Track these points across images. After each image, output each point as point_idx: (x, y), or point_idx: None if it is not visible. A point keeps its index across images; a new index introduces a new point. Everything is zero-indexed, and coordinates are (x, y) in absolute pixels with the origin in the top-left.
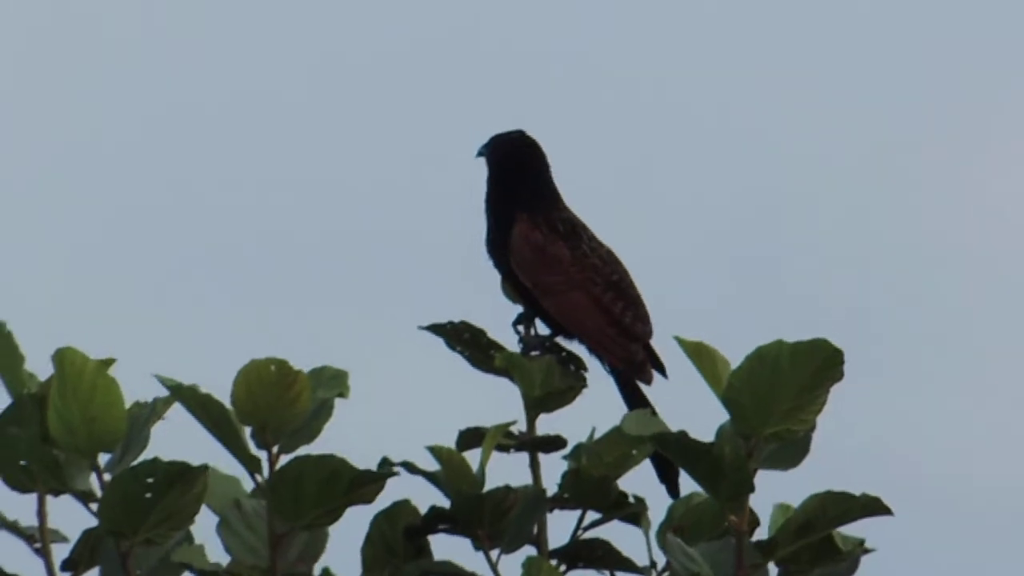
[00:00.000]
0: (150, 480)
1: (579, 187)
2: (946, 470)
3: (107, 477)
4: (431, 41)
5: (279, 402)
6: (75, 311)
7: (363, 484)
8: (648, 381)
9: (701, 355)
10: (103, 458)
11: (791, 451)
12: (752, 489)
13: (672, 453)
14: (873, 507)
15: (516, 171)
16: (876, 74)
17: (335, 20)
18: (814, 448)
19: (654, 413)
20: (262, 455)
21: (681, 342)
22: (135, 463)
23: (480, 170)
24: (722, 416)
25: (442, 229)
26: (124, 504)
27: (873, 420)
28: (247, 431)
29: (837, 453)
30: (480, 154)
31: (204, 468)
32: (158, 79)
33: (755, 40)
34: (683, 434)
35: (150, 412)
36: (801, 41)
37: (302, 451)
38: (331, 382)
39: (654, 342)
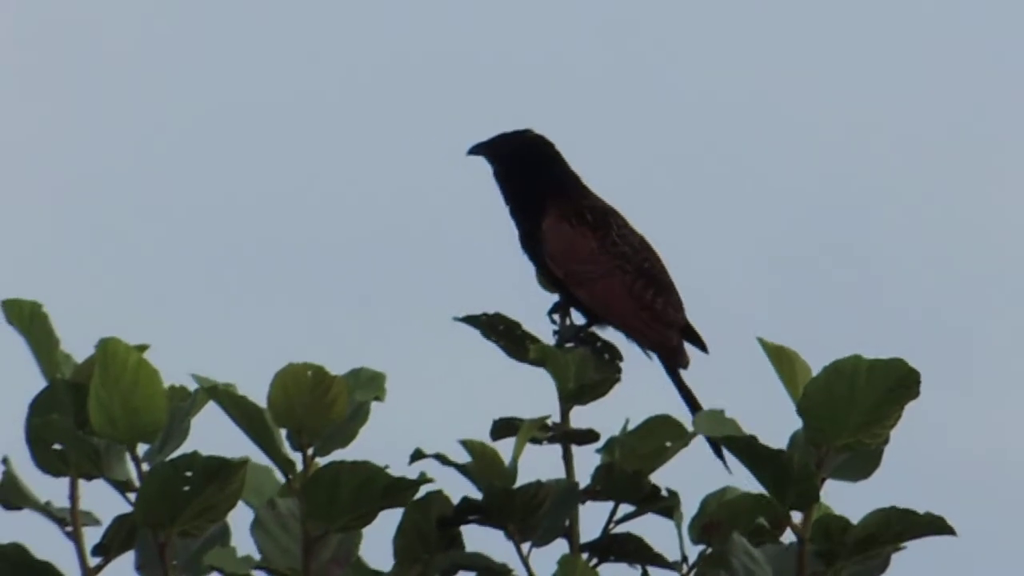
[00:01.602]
0: (189, 473)
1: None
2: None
3: (145, 467)
4: (444, 45)
5: (315, 406)
6: (110, 303)
7: (397, 491)
8: (685, 365)
9: (782, 359)
10: (141, 448)
11: (862, 463)
12: (817, 497)
13: (741, 456)
14: (937, 526)
15: (535, 166)
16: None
17: (349, 23)
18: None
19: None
20: (297, 457)
21: (764, 344)
22: (174, 455)
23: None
24: (769, 404)
25: (474, 224)
26: (162, 496)
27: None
28: (282, 432)
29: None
30: (473, 152)
31: (243, 463)
32: (186, 81)
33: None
34: (753, 439)
35: (190, 405)
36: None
37: (338, 454)
38: (368, 384)
39: (698, 322)
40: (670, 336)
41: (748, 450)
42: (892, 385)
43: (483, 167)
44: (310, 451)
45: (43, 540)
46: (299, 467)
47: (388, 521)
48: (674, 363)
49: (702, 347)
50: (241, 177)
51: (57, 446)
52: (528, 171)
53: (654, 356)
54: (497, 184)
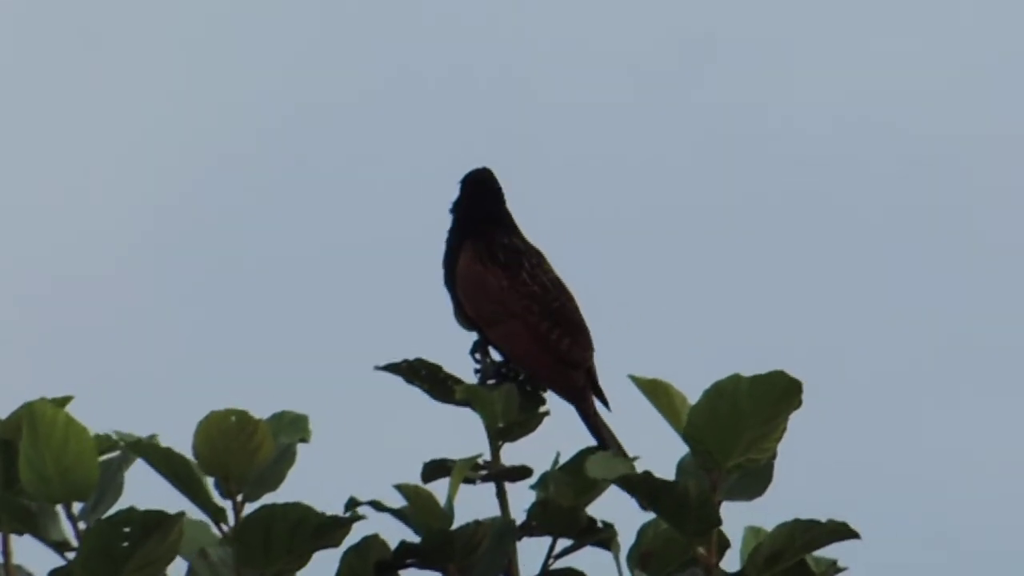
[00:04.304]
0: (127, 529)
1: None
2: None
3: (82, 526)
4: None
5: (241, 451)
6: (27, 358)
7: (330, 530)
8: (590, 408)
9: (657, 392)
10: (76, 507)
11: (754, 481)
12: (719, 522)
13: (637, 494)
14: (841, 532)
15: (465, 206)
16: None
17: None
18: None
19: (610, 437)
20: (227, 504)
21: (636, 380)
22: (110, 512)
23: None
24: (679, 444)
25: (393, 264)
26: (102, 554)
27: None
28: (210, 481)
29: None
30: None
31: (180, 515)
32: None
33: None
34: (648, 474)
35: (121, 459)
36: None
37: (267, 498)
38: (291, 427)
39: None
40: (575, 378)
41: (644, 486)
42: (776, 398)
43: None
44: (239, 497)
45: None
46: (229, 514)
47: (326, 569)
48: (581, 406)
49: (604, 403)
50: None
51: None
52: (458, 211)
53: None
54: None
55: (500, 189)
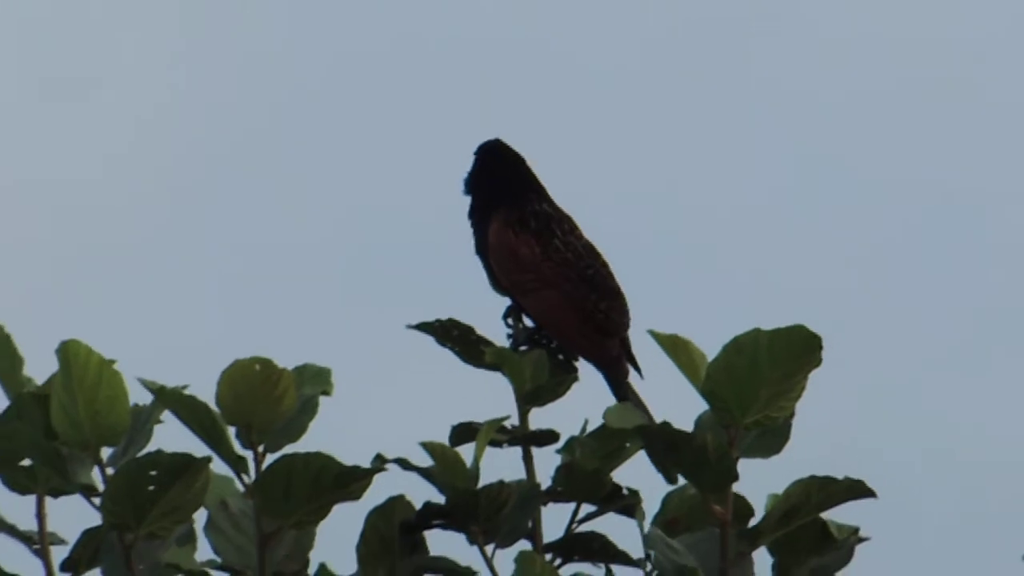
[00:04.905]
0: (153, 472)
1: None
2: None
3: (110, 471)
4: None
5: (264, 401)
6: (65, 312)
7: (350, 481)
8: (624, 376)
9: (676, 348)
10: (106, 453)
11: (772, 438)
12: (736, 478)
13: (655, 444)
14: (856, 490)
15: (487, 176)
16: None
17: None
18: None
19: (639, 404)
20: (248, 455)
21: (656, 336)
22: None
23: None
24: (702, 408)
25: (429, 226)
26: (128, 496)
27: None
28: (232, 431)
29: None
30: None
31: (207, 460)
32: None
33: None
34: (666, 425)
35: (152, 408)
36: None
37: (288, 450)
38: (314, 379)
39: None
40: (610, 346)
41: (663, 437)
42: (795, 353)
43: (441, 168)
44: (261, 448)
45: (11, 558)
46: (251, 465)
47: (351, 527)
48: (614, 374)
49: (637, 370)
50: (202, 177)
51: (25, 462)
52: (483, 180)
53: (596, 369)
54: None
55: (516, 157)
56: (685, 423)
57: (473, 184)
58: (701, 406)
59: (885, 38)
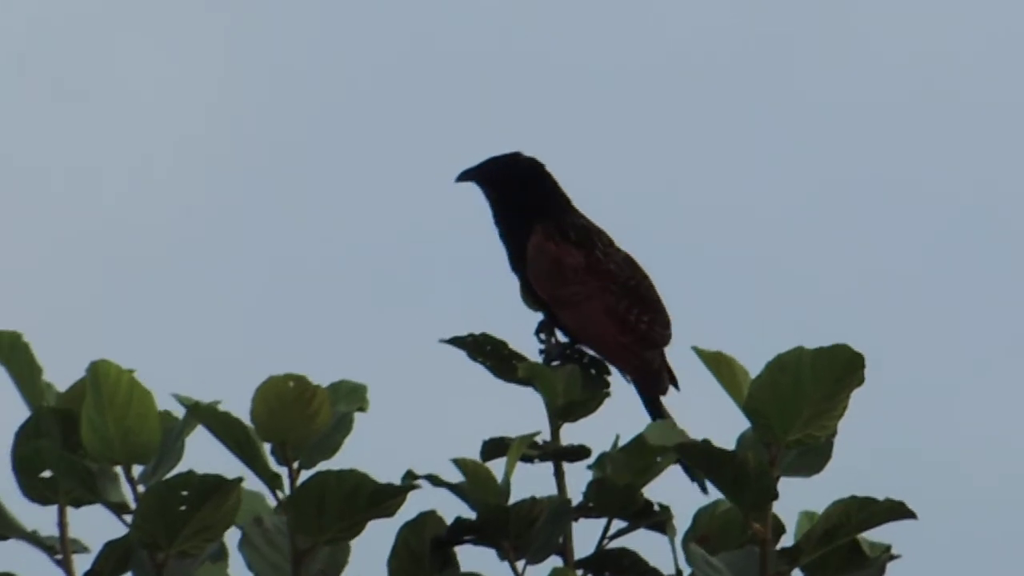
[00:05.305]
0: (185, 493)
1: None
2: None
3: (141, 489)
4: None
5: (298, 418)
6: (95, 326)
7: (384, 498)
8: (663, 391)
9: (720, 365)
10: (136, 470)
11: (813, 457)
12: (776, 496)
13: (696, 462)
14: (897, 511)
15: (522, 188)
16: None
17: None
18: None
19: (673, 422)
20: (282, 471)
21: (699, 352)
22: (169, 476)
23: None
24: (741, 425)
25: (459, 241)
26: (159, 516)
27: None
28: (267, 447)
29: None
30: (462, 178)
31: (239, 481)
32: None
33: None
34: (707, 442)
35: (183, 424)
36: None
37: (322, 466)
38: (350, 396)
39: (670, 356)
40: (651, 359)
41: (703, 455)
42: (838, 373)
43: (475, 190)
44: (295, 464)
45: (31, 569)
46: (285, 482)
47: (382, 543)
48: (654, 388)
49: (675, 383)
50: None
51: (46, 473)
52: (515, 193)
53: (631, 382)
54: (489, 207)
55: (547, 170)
56: (717, 439)
57: (500, 198)
58: (732, 422)
59: (902, 47)
